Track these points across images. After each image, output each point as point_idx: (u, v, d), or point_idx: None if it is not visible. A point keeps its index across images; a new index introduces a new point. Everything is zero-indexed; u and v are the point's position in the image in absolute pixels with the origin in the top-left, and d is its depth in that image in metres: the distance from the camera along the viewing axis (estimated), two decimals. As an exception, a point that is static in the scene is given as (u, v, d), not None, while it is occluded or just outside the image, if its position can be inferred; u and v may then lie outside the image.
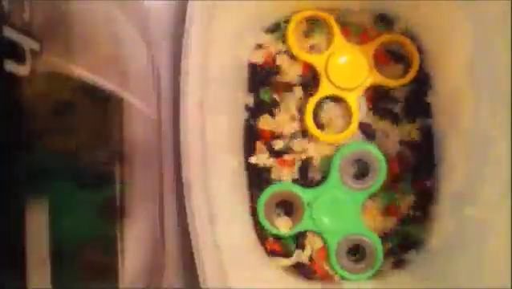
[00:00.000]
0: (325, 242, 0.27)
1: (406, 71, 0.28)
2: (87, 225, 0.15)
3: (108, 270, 0.17)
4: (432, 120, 0.28)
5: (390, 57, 0.28)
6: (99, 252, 0.16)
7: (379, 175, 0.27)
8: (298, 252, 0.27)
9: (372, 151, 0.27)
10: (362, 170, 0.27)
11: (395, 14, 0.28)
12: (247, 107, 0.27)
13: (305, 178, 0.28)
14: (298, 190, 0.27)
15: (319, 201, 0.27)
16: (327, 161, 0.27)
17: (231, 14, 0.24)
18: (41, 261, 0.12)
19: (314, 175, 0.28)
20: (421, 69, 0.28)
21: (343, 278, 0.27)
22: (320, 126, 0.28)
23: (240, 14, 0.25)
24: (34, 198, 0.11)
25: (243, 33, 0.26)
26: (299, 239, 0.28)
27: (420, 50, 0.27)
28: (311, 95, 0.27)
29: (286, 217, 0.28)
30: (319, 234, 0.27)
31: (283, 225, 0.27)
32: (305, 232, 0.27)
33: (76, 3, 0.14)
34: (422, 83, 0.28)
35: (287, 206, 0.28)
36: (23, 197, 0.11)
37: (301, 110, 0.28)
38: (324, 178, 0.27)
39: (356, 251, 0.28)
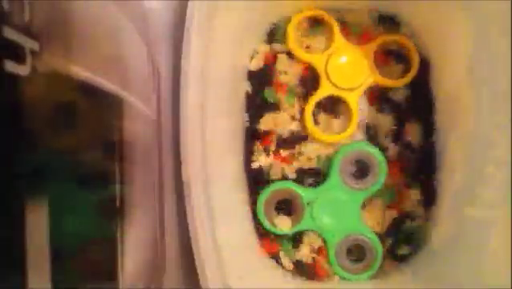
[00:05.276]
0: (325, 241, 0.27)
1: (406, 71, 0.28)
2: (87, 225, 0.15)
3: (108, 271, 0.17)
4: (433, 120, 0.28)
5: (390, 57, 0.28)
6: (99, 252, 0.16)
7: (380, 176, 0.27)
8: (297, 252, 0.27)
9: (373, 152, 0.27)
10: (362, 170, 0.27)
11: (395, 14, 0.28)
12: (247, 108, 0.28)
13: (305, 178, 0.28)
14: (298, 189, 0.27)
15: (319, 201, 0.27)
16: (328, 161, 0.27)
17: (231, 13, 0.24)
18: (41, 261, 0.12)
19: (315, 175, 0.28)
20: (422, 69, 0.28)
21: (343, 278, 0.27)
22: (320, 126, 0.28)
23: (240, 14, 0.25)
24: (34, 198, 0.11)
25: (243, 33, 0.26)
26: (299, 239, 0.28)
27: (420, 51, 0.27)
28: (311, 95, 0.27)
29: (285, 217, 0.28)
30: (319, 234, 0.27)
31: (283, 224, 0.27)
32: (305, 231, 0.27)
33: (76, 3, 0.14)
34: (423, 84, 0.28)
35: (287, 205, 0.28)
36: (23, 197, 0.11)
37: (301, 110, 0.28)
38: (325, 178, 0.27)
39: (356, 251, 0.28)
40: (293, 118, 0.28)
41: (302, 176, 0.28)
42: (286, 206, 0.28)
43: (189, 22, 0.22)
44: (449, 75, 0.27)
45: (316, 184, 0.27)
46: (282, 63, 0.28)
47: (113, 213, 0.17)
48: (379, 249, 0.27)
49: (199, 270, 0.22)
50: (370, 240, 0.27)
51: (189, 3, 0.22)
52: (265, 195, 0.27)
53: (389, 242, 0.28)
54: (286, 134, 0.27)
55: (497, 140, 0.23)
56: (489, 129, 0.24)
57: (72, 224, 0.14)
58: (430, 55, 0.27)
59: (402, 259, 0.28)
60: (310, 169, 0.28)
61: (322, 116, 0.28)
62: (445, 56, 0.27)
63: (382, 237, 0.28)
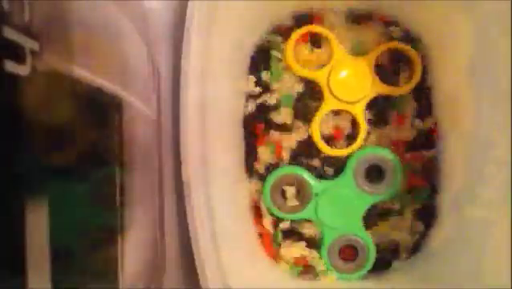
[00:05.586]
0: (321, 235, 0.27)
1: (409, 78, 0.28)
2: (88, 225, 0.15)
3: (109, 271, 0.17)
4: (433, 121, 0.28)
5: (392, 65, 0.28)
6: (99, 252, 0.16)
7: (394, 185, 0.27)
8: (292, 243, 0.28)
9: (393, 160, 0.27)
10: (377, 175, 0.27)
11: (395, 15, 0.28)
12: (247, 109, 0.28)
13: (318, 169, 0.28)
14: (309, 178, 0.27)
15: (327, 194, 0.27)
16: (341, 160, 0.28)
17: (231, 13, 0.24)
18: (41, 261, 0.12)
19: (327, 170, 0.28)
20: (422, 70, 0.28)
21: (334, 274, 0.27)
22: (328, 139, 0.28)
23: (240, 14, 0.25)
24: (34, 198, 0.11)
25: (243, 33, 0.26)
26: (296, 231, 0.28)
27: (420, 52, 0.27)
28: (316, 110, 0.27)
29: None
30: (317, 227, 0.27)
31: (291, 200, 0.27)
32: (302, 224, 0.28)
33: (76, 3, 0.14)
34: (423, 84, 0.28)
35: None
36: (23, 197, 0.11)
37: (307, 123, 0.28)
38: (338, 173, 0.27)
39: (348, 251, 0.28)
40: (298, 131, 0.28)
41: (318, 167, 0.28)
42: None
43: (189, 22, 0.22)
44: (449, 75, 0.27)
45: (330, 177, 0.28)
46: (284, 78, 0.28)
47: (113, 213, 0.17)
48: (371, 252, 0.27)
49: (199, 270, 0.22)
50: (365, 243, 0.27)
51: (189, 3, 0.22)
52: (277, 174, 0.27)
53: (389, 241, 0.28)
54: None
55: (497, 140, 0.23)
56: (489, 129, 0.24)
57: (72, 224, 0.14)
58: (430, 56, 0.27)
59: (401, 259, 0.28)
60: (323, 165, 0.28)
61: (329, 130, 0.28)
62: (445, 56, 0.27)
63: (382, 237, 0.28)
